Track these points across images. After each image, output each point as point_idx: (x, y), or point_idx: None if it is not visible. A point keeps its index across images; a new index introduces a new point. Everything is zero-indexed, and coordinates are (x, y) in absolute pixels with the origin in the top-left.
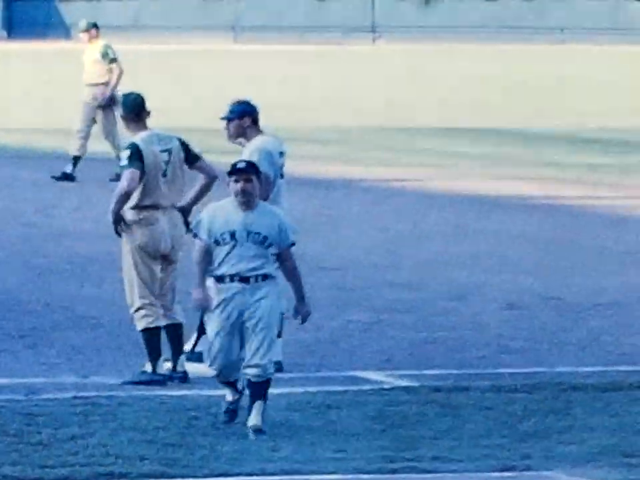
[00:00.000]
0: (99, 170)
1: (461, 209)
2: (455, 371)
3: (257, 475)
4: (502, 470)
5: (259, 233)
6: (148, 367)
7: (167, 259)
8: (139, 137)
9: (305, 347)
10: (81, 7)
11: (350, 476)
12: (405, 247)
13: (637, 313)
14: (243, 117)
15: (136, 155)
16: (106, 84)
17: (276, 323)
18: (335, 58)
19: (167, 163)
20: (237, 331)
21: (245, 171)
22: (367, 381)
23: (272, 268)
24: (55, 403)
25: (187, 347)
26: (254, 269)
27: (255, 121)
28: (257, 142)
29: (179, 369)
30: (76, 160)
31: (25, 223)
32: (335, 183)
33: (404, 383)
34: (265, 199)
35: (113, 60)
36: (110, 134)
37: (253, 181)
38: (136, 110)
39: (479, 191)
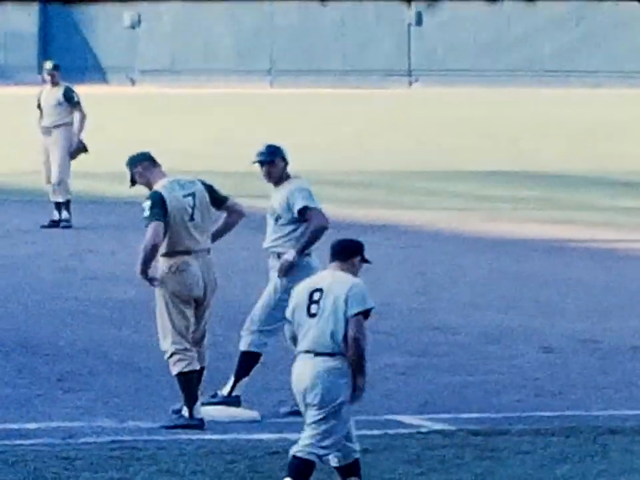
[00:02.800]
0: (134, 213)
1: (496, 252)
2: (491, 415)
3: None
4: None
5: None
6: (185, 412)
7: (201, 304)
8: (160, 185)
9: None
10: (117, 51)
11: None
12: (441, 291)
13: None
14: (274, 160)
15: (159, 203)
16: (68, 124)
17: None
18: (372, 101)
19: (193, 207)
20: None
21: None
22: (404, 424)
23: None
24: (93, 446)
25: (225, 390)
26: None
27: (286, 164)
28: (293, 185)
29: (195, 415)
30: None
31: (61, 267)
32: (373, 226)
33: (441, 426)
34: (320, 231)
35: (77, 103)
36: (64, 181)
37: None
38: (148, 158)
39: (514, 234)
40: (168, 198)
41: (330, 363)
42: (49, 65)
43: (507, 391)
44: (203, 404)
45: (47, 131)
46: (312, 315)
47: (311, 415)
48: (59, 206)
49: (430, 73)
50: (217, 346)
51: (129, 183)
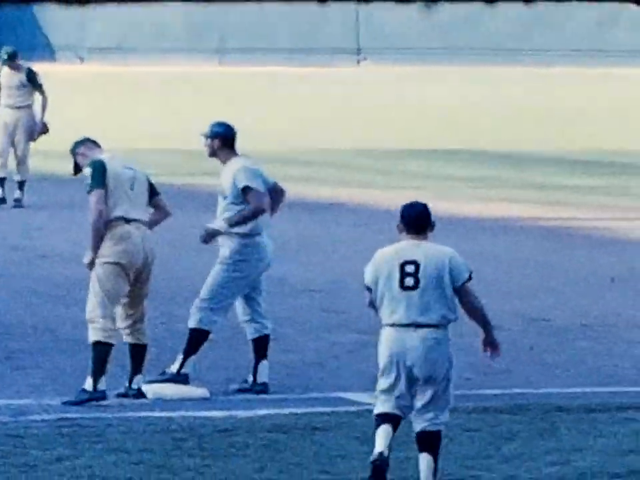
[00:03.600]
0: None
1: (446, 230)
2: None
3: None
4: None
5: None
6: (88, 384)
7: (139, 277)
8: (100, 156)
9: (290, 369)
10: (67, 29)
11: None
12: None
13: (622, 335)
14: (215, 138)
15: (100, 169)
16: (29, 106)
17: None
18: (321, 79)
19: (133, 178)
20: None
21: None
22: (353, 402)
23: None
24: (42, 424)
25: (174, 368)
26: None
27: (227, 143)
28: (238, 163)
29: (134, 386)
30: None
31: (11, 245)
32: (322, 205)
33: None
34: (258, 212)
35: (40, 86)
36: (24, 161)
37: None
38: (90, 140)
39: (465, 212)
40: (109, 165)
41: (438, 334)
42: (4, 55)
43: (456, 369)
44: (152, 381)
45: (8, 110)
46: (407, 288)
47: (427, 388)
48: (2, 182)
49: (379, 51)
50: (166, 323)
51: (72, 171)
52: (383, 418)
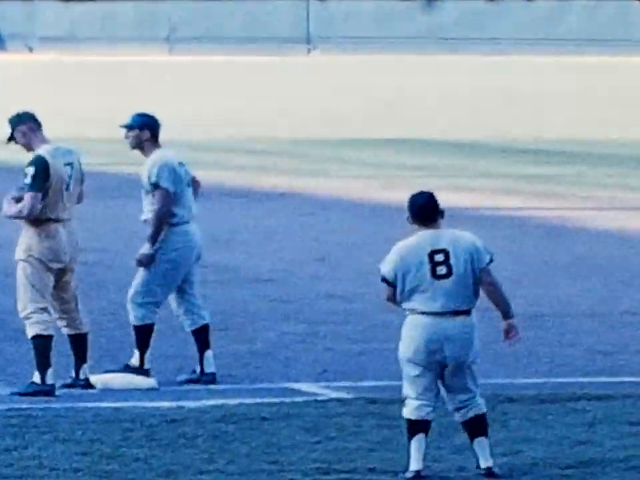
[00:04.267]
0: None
1: (394, 220)
2: (390, 383)
3: None
4: None
5: None
6: (36, 378)
7: (65, 273)
8: (44, 150)
9: (239, 359)
10: (17, 17)
11: None
12: (340, 259)
13: (572, 325)
14: (143, 129)
15: (42, 172)
16: None
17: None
18: (271, 68)
19: (70, 177)
20: None
21: None
22: (302, 392)
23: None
24: None
25: (134, 361)
26: None
27: (154, 135)
28: (156, 156)
29: (81, 377)
30: None
31: None
32: (270, 194)
33: (339, 394)
34: (166, 213)
35: None
36: None
37: None
38: (34, 119)
39: None
40: (51, 165)
41: (471, 319)
42: None
43: None
44: (108, 371)
45: None
46: (441, 277)
47: (462, 373)
48: None
49: (329, 40)
50: (115, 313)
51: (6, 139)
52: (418, 427)
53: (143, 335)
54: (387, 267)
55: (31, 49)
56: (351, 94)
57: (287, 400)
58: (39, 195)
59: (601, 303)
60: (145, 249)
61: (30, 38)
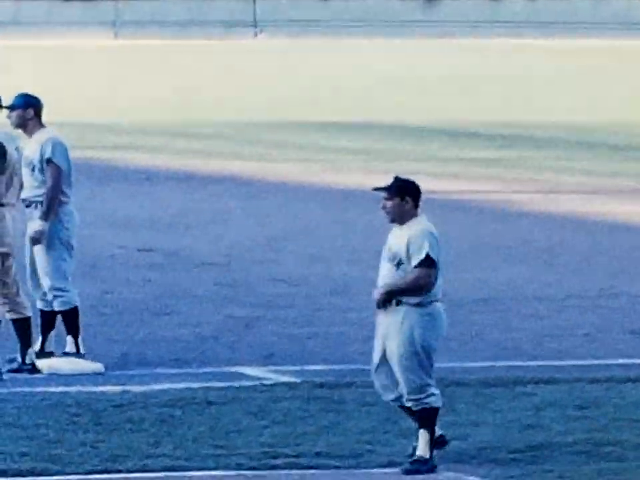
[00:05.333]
0: None
1: (340, 204)
2: (337, 367)
3: (138, 471)
4: (385, 466)
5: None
6: None
7: (8, 257)
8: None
9: (185, 343)
10: None
11: (231, 472)
12: (286, 242)
13: (519, 308)
14: (27, 108)
15: (2, 155)
16: None
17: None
18: (216, 53)
19: (18, 161)
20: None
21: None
22: (249, 376)
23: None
24: None
25: (36, 346)
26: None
27: (38, 114)
28: (46, 134)
29: (27, 361)
30: None
31: None
32: (214, 178)
33: (286, 378)
34: (58, 189)
35: None
36: None
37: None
38: None
39: (359, 185)
40: (8, 150)
41: None
42: None
43: (352, 343)
44: (38, 355)
45: None
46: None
47: None
48: None
49: (275, 24)
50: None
51: None
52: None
53: (74, 318)
54: (433, 248)
55: None
56: (296, 78)
57: (234, 384)
58: (2, 178)
59: (547, 287)
60: (39, 225)
61: None
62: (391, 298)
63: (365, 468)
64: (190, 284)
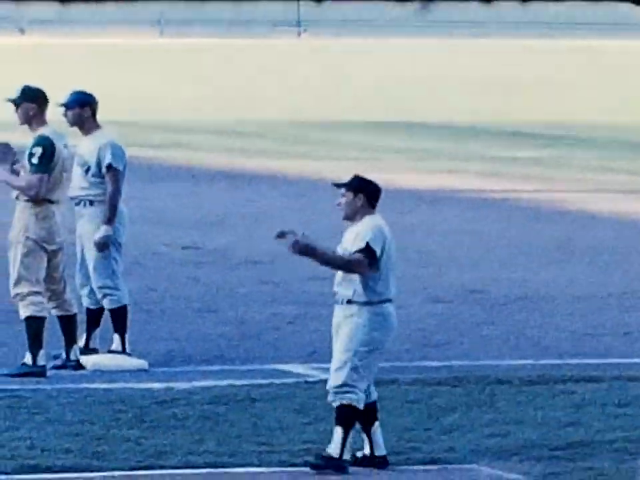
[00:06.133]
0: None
1: (384, 202)
2: (379, 364)
3: (181, 468)
4: (427, 463)
5: None
6: (28, 358)
7: (57, 254)
8: (48, 131)
9: (228, 340)
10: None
11: (274, 469)
12: (329, 241)
13: (560, 307)
14: (84, 107)
15: (50, 153)
16: None
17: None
18: (261, 51)
19: (67, 158)
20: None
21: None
22: (292, 374)
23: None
24: None
25: (81, 343)
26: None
27: (94, 113)
28: (104, 137)
29: (72, 357)
30: None
31: None
32: (258, 176)
33: (328, 376)
34: (119, 194)
35: None
36: None
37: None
38: (45, 99)
39: (403, 184)
40: (57, 147)
41: None
42: None
43: (395, 341)
44: (82, 352)
45: None
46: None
47: None
48: None
49: (319, 23)
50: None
51: (11, 102)
52: (360, 415)
53: (123, 317)
54: (377, 239)
55: (22, 31)
56: (339, 77)
57: (277, 381)
58: (46, 177)
59: (588, 286)
60: (104, 230)
61: (20, 20)
62: (307, 254)
63: (406, 465)
64: (234, 282)
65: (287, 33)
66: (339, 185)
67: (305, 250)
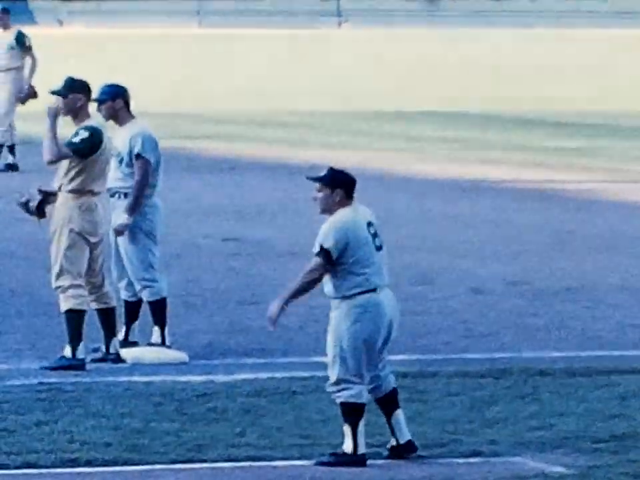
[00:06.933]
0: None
1: (426, 193)
2: (421, 357)
3: (222, 461)
4: (469, 456)
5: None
6: (67, 352)
7: (98, 246)
8: (95, 122)
9: (270, 333)
10: None
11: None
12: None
13: (603, 298)
14: (116, 99)
15: (96, 138)
16: (18, 69)
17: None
18: (301, 42)
19: (109, 150)
20: None
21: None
22: None
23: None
24: (20, 389)
25: (120, 336)
26: None
27: (127, 104)
28: (137, 127)
29: (111, 351)
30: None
31: None
32: (299, 167)
33: None
34: (145, 185)
35: (29, 48)
36: (10, 124)
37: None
38: (90, 92)
39: (445, 175)
40: (104, 138)
41: None
42: None
43: (437, 333)
44: (122, 345)
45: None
46: (379, 248)
47: (387, 345)
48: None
49: (360, 13)
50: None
51: (56, 94)
52: (361, 411)
53: (162, 309)
54: (329, 240)
55: (60, 23)
56: (381, 67)
57: (318, 374)
58: (71, 155)
59: (632, 277)
60: (124, 218)
61: (59, 12)
62: (287, 303)
63: (449, 457)
64: (275, 273)
65: (327, 24)
66: (314, 179)
67: (281, 304)
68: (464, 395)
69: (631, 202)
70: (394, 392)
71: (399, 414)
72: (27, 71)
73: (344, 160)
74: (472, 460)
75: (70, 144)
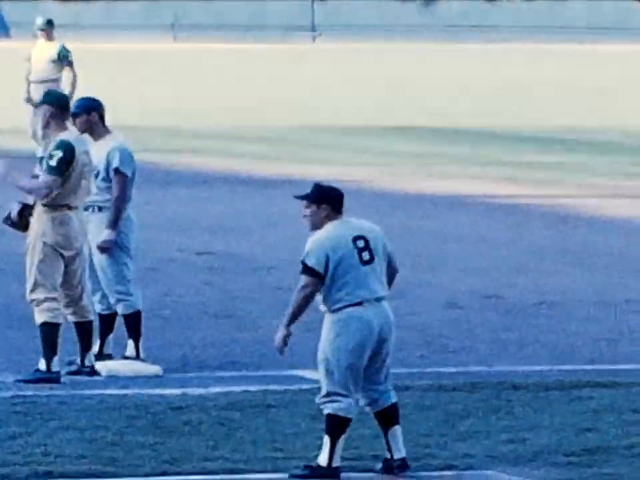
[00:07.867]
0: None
1: (400, 208)
2: (394, 370)
3: (196, 474)
4: (443, 469)
5: None
6: (42, 365)
7: (75, 260)
8: (68, 136)
9: (243, 346)
10: (22, 6)
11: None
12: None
13: (576, 313)
14: (91, 112)
15: (68, 157)
16: (55, 81)
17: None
18: (275, 56)
19: (86, 165)
20: None
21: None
22: (307, 380)
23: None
24: None
25: (130, 352)
26: None
27: (102, 117)
28: (114, 141)
29: (86, 364)
30: None
31: None
32: (273, 181)
33: None
34: (124, 199)
35: (71, 63)
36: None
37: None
38: (65, 107)
39: (419, 190)
40: (77, 152)
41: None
42: (39, 21)
43: (411, 347)
44: (97, 358)
45: (36, 86)
46: (366, 262)
47: (386, 360)
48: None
49: (333, 28)
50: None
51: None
52: (345, 426)
53: (136, 322)
54: (312, 257)
55: (36, 36)
56: (355, 82)
57: (292, 387)
58: (59, 180)
59: (605, 291)
60: (107, 234)
61: (34, 26)
62: (288, 327)
63: (423, 471)
64: (249, 287)
65: (301, 38)
66: (301, 197)
67: (284, 331)
68: (438, 408)
69: (605, 217)
70: (393, 407)
71: (397, 429)
72: (64, 84)
73: (316, 175)
74: (445, 473)
75: (51, 170)
